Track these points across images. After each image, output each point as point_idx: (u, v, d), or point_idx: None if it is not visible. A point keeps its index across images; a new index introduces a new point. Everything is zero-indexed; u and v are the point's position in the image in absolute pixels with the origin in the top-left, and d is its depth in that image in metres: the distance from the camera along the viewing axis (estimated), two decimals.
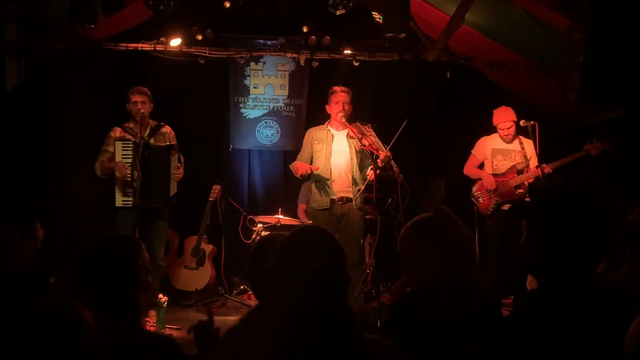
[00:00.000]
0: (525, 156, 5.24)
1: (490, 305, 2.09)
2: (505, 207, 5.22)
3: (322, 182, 4.96)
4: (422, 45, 5.76)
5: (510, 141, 5.33)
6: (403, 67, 6.12)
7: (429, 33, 5.56)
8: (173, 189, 4.94)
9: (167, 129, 5.11)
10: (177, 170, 4.97)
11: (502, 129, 5.28)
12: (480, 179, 5.36)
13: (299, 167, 4.94)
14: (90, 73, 5.91)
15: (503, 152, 5.33)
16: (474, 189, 5.40)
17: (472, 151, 5.49)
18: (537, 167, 5.08)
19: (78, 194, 5.66)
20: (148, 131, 4.96)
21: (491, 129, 5.42)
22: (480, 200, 5.34)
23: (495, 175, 5.30)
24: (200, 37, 5.95)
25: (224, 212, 5.82)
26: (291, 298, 1.61)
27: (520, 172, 5.22)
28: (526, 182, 5.20)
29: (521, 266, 4.43)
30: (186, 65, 6.14)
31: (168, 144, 5.00)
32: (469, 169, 5.48)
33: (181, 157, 5.09)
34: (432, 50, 5.57)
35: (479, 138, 5.51)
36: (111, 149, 4.92)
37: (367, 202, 5.16)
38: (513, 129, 5.27)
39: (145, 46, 5.90)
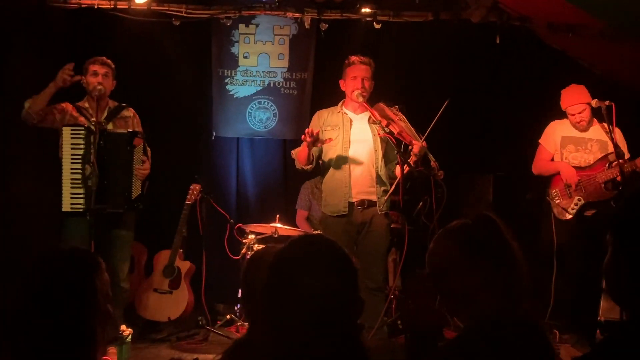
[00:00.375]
0: (617, 145, 5.09)
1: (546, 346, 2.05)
2: (589, 213, 5.23)
3: (337, 180, 4.91)
4: (463, 2, 5.74)
5: (585, 128, 5.28)
6: (439, 30, 6.09)
7: None
8: (137, 189, 4.91)
9: (130, 111, 5.08)
10: (142, 165, 4.94)
11: (573, 114, 5.24)
12: (558, 173, 5.30)
13: (299, 152, 4.86)
14: (32, 39, 5.87)
15: (576, 142, 5.31)
16: (551, 186, 5.34)
17: (539, 141, 5.46)
18: (627, 159, 5.02)
19: (15, 194, 5.59)
20: (106, 114, 4.94)
21: (560, 113, 5.37)
22: (558, 200, 5.29)
23: (577, 168, 5.27)
24: None
25: (206, 219, 5.79)
26: (285, 330, 1.60)
27: (611, 165, 5.15)
28: (618, 178, 5.15)
29: (608, 291, 4.41)
30: (156, 28, 6.12)
31: (131, 130, 4.96)
32: (540, 165, 5.42)
33: (147, 148, 5.06)
34: (476, 8, 5.56)
35: (538, 122, 5.47)
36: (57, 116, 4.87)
37: (391, 207, 5.13)
38: (587, 114, 5.21)
39: (104, 3, 5.88)
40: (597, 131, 5.27)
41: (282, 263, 1.71)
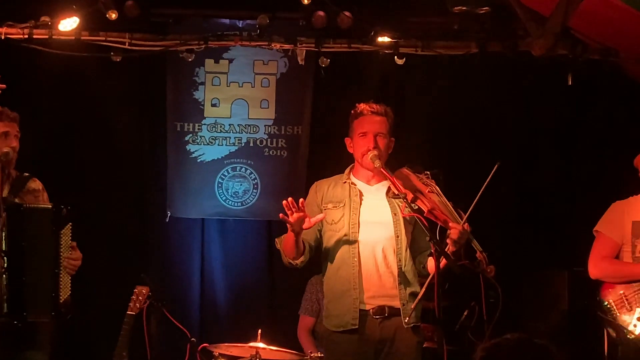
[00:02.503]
0: None
1: None
2: None
3: (343, 280, 4.85)
4: (520, 29, 5.83)
5: None
6: (486, 67, 6.17)
7: (533, 6, 5.58)
8: (66, 288, 4.86)
9: (37, 183, 5.07)
10: (71, 254, 4.90)
11: None
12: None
13: (284, 240, 4.84)
14: None
15: None
16: (602, 296, 5.27)
17: (597, 229, 5.34)
18: None
19: None
20: (8, 186, 4.91)
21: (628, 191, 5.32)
22: (614, 313, 5.22)
23: None
24: (114, 16, 5.98)
25: (156, 336, 5.77)
26: None
27: None
28: None
29: None
30: (89, 66, 6.19)
31: (52, 205, 4.92)
32: (604, 266, 5.27)
33: None
34: (540, 36, 5.56)
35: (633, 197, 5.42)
36: None
37: (422, 318, 5.05)
38: None
39: (13, 32, 5.95)
40: None
41: None
